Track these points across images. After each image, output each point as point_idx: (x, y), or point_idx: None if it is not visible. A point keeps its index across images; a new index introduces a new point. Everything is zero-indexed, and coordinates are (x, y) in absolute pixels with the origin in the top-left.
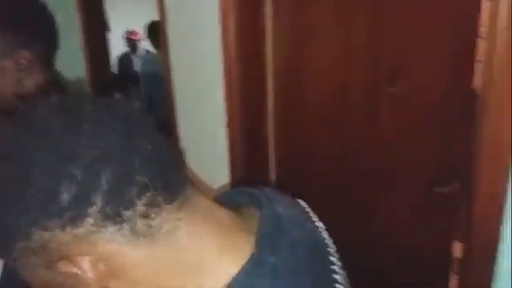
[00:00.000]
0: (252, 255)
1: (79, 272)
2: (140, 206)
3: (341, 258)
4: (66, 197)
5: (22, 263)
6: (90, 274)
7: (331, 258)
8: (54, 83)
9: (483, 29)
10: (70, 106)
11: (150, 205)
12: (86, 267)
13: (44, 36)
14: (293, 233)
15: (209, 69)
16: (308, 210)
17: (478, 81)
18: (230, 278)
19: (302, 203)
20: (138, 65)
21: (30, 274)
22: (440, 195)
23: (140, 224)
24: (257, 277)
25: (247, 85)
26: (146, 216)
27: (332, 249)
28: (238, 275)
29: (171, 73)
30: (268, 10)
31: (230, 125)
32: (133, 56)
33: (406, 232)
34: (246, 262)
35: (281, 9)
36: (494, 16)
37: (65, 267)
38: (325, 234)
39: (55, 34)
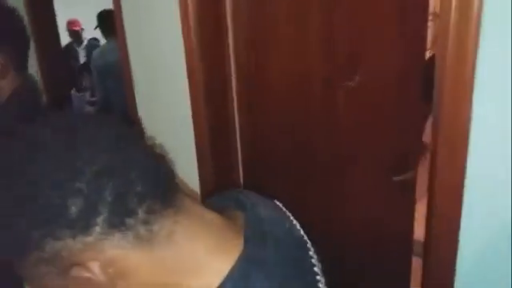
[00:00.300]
0: (243, 253)
1: (91, 276)
2: (141, 214)
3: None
4: (74, 209)
5: (33, 274)
6: (101, 277)
7: (310, 253)
8: (28, 85)
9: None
10: (65, 124)
11: (150, 212)
12: (97, 271)
13: (15, 39)
14: (275, 232)
15: (169, 58)
16: (284, 210)
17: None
18: (225, 275)
19: (279, 204)
20: (82, 55)
21: (40, 284)
22: (398, 183)
23: (142, 230)
24: (250, 271)
25: (210, 75)
26: (146, 222)
27: (309, 243)
28: (231, 272)
29: (130, 62)
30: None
31: (195, 116)
32: (77, 48)
33: (367, 219)
34: (238, 260)
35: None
36: None
37: (78, 273)
38: (301, 231)
39: (26, 37)
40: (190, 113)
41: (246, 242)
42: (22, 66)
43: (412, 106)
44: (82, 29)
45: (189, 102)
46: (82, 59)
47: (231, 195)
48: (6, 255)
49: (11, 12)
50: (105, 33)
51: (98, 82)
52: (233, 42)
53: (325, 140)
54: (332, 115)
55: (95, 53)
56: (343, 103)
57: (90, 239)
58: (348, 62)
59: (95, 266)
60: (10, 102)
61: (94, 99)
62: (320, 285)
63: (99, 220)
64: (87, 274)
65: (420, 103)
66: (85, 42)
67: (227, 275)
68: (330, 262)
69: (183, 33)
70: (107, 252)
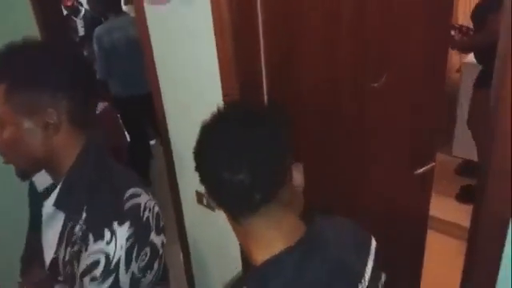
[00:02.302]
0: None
1: None
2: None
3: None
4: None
5: None
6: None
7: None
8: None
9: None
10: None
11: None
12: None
13: (69, 93)
14: (327, 250)
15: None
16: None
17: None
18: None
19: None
20: (80, 26)
21: None
22: (418, 176)
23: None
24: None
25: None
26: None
27: (359, 278)
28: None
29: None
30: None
31: None
32: (75, 18)
33: (389, 209)
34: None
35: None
36: None
37: None
38: (359, 266)
39: (84, 91)
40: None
41: (296, 244)
42: (81, 121)
43: (432, 105)
44: (77, 0)
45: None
46: (81, 30)
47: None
48: None
49: (74, 63)
50: (109, 8)
51: (102, 59)
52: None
53: (351, 138)
54: (358, 114)
55: (100, 29)
56: (369, 103)
57: None
58: (376, 63)
59: None
60: (78, 163)
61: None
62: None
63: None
64: None
65: (438, 102)
66: (82, 12)
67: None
68: None
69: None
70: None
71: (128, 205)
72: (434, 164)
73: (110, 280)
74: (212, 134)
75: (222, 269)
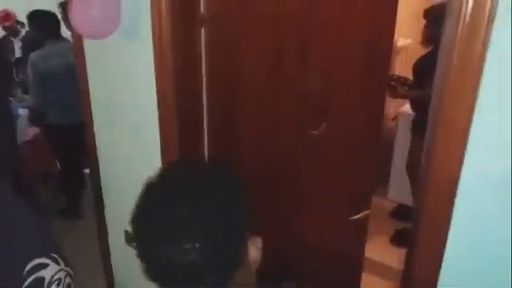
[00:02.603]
0: None
1: None
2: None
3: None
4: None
5: None
6: None
7: None
8: None
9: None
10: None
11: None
12: None
13: None
14: None
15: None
16: None
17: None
18: None
19: None
20: (17, 46)
21: None
22: (354, 222)
23: None
24: None
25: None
26: None
27: None
28: None
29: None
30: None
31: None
32: (13, 38)
33: (319, 253)
34: None
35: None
36: None
37: None
38: None
39: None
40: (157, 130)
41: None
42: None
43: (369, 153)
44: (18, 21)
45: (157, 121)
46: (18, 52)
47: None
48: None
49: None
50: (49, 34)
51: (36, 87)
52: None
53: (291, 179)
54: (298, 160)
55: (36, 55)
56: (309, 150)
57: None
58: (315, 112)
59: None
60: None
61: (25, 97)
62: None
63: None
64: None
65: (374, 150)
66: (22, 33)
67: None
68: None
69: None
70: None
71: (29, 280)
72: (369, 211)
73: None
74: (155, 201)
75: None
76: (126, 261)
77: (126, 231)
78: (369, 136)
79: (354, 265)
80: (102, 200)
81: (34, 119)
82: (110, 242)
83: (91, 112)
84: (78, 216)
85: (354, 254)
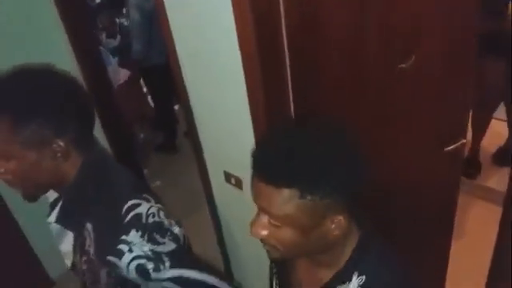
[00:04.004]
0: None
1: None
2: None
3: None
4: None
5: (310, 208)
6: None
7: None
8: (95, 161)
9: None
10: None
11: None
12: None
13: (75, 120)
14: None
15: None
16: None
17: None
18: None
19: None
20: None
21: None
22: (448, 153)
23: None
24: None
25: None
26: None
27: None
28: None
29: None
30: None
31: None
32: None
33: (415, 187)
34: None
35: None
36: None
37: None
38: None
39: (88, 116)
40: (240, 66)
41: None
42: (85, 145)
43: (463, 81)
44: None
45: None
46: None
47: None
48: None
49: (72, 92)
50: None
51: (143, 28)
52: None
53: (380, 118)
54: (388, 94)
55: None
56: (398, 82)
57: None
58: (404, 45)
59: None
60: (76, 182)
61: (114, 43)
62: None
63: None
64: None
65: (469, 77)
66: None
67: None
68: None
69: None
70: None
71: (128, 217)
72: (464, 140)
73: (165, 258)
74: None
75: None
76: (226, 197)
77: (225, 171)
78: (462, 66)
79: (450, 195)
80: (198, 137)
81: (125, 63)
82: (210, 178)
83: (176, 52)
84: (175, 150)
85: (450, 184)
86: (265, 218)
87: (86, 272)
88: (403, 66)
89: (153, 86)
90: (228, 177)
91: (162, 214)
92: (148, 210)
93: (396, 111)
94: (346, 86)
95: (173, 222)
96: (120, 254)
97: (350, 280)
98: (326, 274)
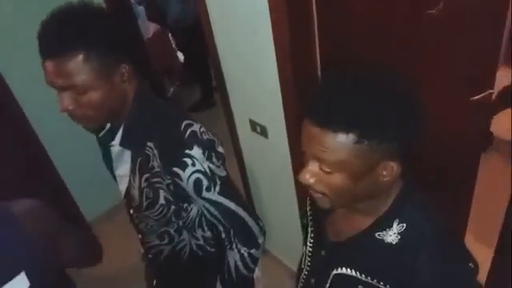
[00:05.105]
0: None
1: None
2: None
3: None
4: None
5: (366, 153)
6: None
7: None
8: (146, 87)
9: None
10: None
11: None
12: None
13: (129, 49)
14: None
15: None
16: None
17: None
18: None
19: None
20: None
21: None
22: (475, 102)
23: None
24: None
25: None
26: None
27: None
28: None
29: None
30: None
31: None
32: None
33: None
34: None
35: None
36: None
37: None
38: None
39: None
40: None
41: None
42: (136, 71)
43: (493, 29)
44: None
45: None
46: None
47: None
48: None
49: (127, 22)
50: None
51: None
52: None
53: (407, 59)
54: (415, 40)
55: None
56: (426, 29)
57: None
58: None
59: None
60: (137, 104)
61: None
62: None
63: None
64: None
65: (501, 26)
66: None
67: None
68: None
69: None
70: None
71: (187, 133)
72: (492, 90)
73: (218, 181)
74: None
75: (278, 191)
76: (252, 147)
77: (250, 119)
78: (493, 14)
79: (474, 146)
80: (227, 91)
81: (154, 17)
82: (237, 130)
83: (207, 7)
84: (213, 104)
85: (475, 135)
86: (315, 165)
87: (145, 191)
88: (431, 11)
89: (186, 44)
90: (253, 125)
91: (210, 133)
92: (200, 128)
93: (423, 57)
94: (372, 33)
95: (219, 141)
96: (184, 166)
97: (391, 227)
98: (365, 222)
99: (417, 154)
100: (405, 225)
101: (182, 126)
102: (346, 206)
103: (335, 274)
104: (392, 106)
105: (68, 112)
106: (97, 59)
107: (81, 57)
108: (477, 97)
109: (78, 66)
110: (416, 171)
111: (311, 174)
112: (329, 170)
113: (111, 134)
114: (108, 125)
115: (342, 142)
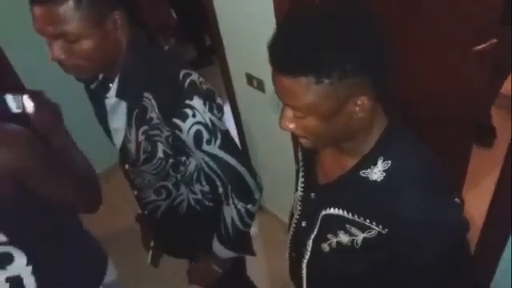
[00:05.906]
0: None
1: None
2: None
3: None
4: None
5: (330, 91)
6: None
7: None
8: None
9: None
10: None
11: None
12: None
13: None
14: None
15: None
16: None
17: None
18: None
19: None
20: None
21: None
22: (477, 53)
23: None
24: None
25: None
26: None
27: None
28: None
29: None
30: None
31: None
32: None
33: (440, 85)
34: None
35: None
36: None
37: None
38: None
39: None
40: None
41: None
42: (131, 18)
43: None
44: None
45: None
46: None
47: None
48: None
49: None
50: None
51: None
52: None
53: (409, 17)
54: None
55: None
56: None
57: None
58: None
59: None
60: (131, 52)
61: None
62: None
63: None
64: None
65: None
66: None
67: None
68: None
69: None
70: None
71: (186, 83)
72: (495, 40)
73: (218, 134)
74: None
75: (275, 146)
76: (248, 100)
77: (246, 73)
78: None
79: (475, 97)
80: (222, 44)
81: None
82: (233, 84)
83: None
84: (208, 63)
85: (476, 86)
86: (289, 112)
87: (142, 144)
88: None
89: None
90: (250, 79)
91: (208, 83)
92: (198, 78)
93: (427, 7)
94: None
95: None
96: (185, 117)
97: (375, 164)
98: (351, 162)
99: (417, 102)
100: (390, 162)
101: (181, 76)
102: (328, 146)
103: (324, 215)
104: (347, 42)
105: (59, 61)
106: (88, 5)
107: (71, 2)
108: (480, 46)
109: (69, 12)
110: (416, 120)
111: (289, 120)
112: (301, 115)
113: (105, 86)
114: (101, 76)
115: (303, 85)
